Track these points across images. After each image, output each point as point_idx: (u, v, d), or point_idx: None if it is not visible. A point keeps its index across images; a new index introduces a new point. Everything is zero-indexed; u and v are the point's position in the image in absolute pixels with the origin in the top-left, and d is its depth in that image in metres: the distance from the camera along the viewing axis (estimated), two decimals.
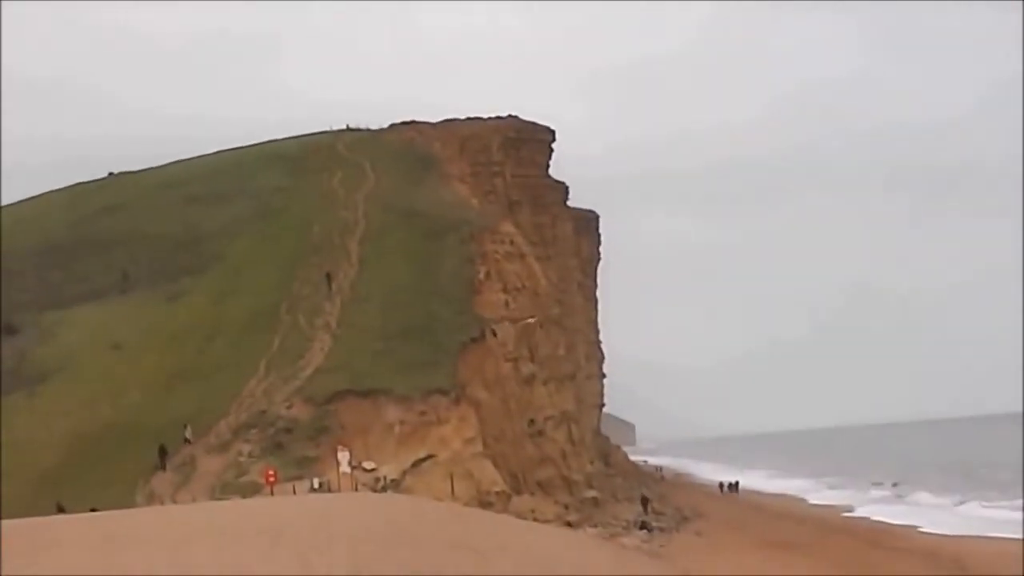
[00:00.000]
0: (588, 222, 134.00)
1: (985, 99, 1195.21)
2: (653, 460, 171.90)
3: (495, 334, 68.25)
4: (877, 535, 60.05)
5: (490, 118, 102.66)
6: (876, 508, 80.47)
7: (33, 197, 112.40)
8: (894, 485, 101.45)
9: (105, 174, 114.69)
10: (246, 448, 54.48)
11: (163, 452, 53.59)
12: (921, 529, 64.19)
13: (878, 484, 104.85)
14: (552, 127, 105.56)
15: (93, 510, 40.87)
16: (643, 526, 64.54)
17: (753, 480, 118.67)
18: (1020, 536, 56.40)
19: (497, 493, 54.38)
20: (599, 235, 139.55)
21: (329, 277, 73.67)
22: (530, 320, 75.55)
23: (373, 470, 51.48)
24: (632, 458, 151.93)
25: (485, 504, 49.63)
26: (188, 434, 55.53)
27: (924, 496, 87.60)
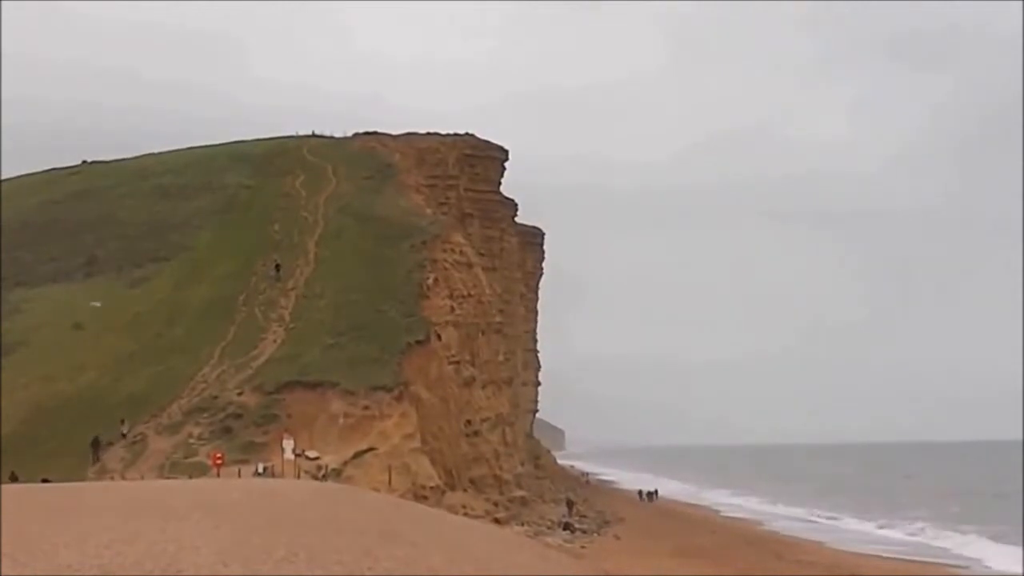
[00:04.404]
0: (534, 238, 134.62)
1: (899, 154, 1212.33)
2: (580, 465, 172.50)
3: (440, 337, 68.15)
4: (783, 548, 60.57)
5: (448, 134, 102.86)
6: (787, 524, 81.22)
7: (7, 180, 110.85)
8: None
9: (79, 162, 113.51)
10: (196, 431, 54.02)
11: (96, 444, 52.39)
12: (827, 545, 64.89)
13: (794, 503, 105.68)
14: (506, 147, 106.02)
15: (45, 480, 40.38)
16: (566, 527, 64.69)
17: (674, 490, 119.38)
18: (925, 559, 57.61)
19: (432, 487, 54.22)
20: (543, 251, 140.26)
21: (278, 267, 73.66)
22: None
23: (316, 459, 51.22)
24: (560, 462, 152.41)
25: (420, 497, 49.42)
26: (124, 429, 54.65)
27: (846, 517, 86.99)
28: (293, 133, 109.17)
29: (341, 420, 54.92)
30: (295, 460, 48.82)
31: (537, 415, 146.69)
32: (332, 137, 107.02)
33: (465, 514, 50.30)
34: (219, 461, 46.50)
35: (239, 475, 45.01)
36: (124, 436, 54.28)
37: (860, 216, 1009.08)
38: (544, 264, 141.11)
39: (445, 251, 76.79)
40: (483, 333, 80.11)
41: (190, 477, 45.02)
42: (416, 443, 56.34)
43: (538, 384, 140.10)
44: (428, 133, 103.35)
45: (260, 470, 47.39)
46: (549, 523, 65.38)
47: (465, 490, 64.38)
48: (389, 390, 57.06)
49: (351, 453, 52.92)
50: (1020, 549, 58.66)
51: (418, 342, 63.29)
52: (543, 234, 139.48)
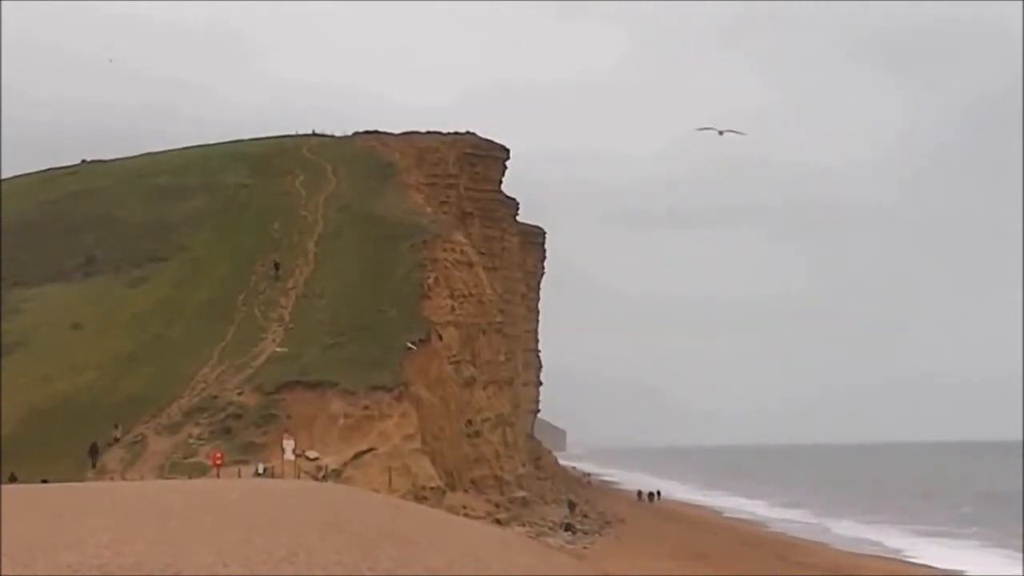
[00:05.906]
0: (535, 237, 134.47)
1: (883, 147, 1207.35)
2: (581, 466, 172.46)
3: (440, 337, 68.21)
4: (784, 549, 60.66)
5: (449, 133, 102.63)
6: (788, 525, 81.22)
7: (5, 180, 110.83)
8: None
9: (78, 161, 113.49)
10: (196, 431, 54.10)
11: (94, 450, 52.40)
12: (828, 546, 64.96)
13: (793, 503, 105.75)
14: (507, 146, 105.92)
15: (44, 481, 40.39)
16: (568, 528, 64.74)
17: (675, 491, 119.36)
18: (924, 560, 57.68)
19: (432, 488, 54.27)
20: (544, 250, 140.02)
21: (278, 267, 73.71)
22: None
23: (316, 459, 51.26)
24: (562, 463, 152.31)
25: (420, 498, 49.45)
26: (118, 433, 54.65)
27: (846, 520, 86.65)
28: (293, 132, 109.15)
29: (341, 420, 54.96)
30: (295, 460, 48.85)
31: (538, 415, 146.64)
32: (332, 136, 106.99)
33: (466, 515, 50.34)
34: (219, 461, 46.54)
35: (239, 475, 45.04)
36: (117, 440, 54.25)
37: (853, 214, 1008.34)
38: (545, 263, 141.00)
39: (445, 251, 76.80)
40: (484, 333, 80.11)
41: (190, 477, 45.05)
42: (416, 444, 56.39)
43: (539, 384, 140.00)
44: (428, 132, 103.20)
45: (260, 470, 47.45)
46: (550, 524, 65.40)
47: (466, 491, 64.42)
48: (389, 390, 57.12)
49: (351, 453, 52.98)
50: (1019, 551, 58.75)
51: (420, 341, 63.37)
52: (544, 233, 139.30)
